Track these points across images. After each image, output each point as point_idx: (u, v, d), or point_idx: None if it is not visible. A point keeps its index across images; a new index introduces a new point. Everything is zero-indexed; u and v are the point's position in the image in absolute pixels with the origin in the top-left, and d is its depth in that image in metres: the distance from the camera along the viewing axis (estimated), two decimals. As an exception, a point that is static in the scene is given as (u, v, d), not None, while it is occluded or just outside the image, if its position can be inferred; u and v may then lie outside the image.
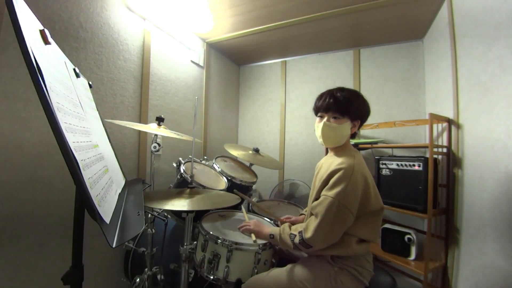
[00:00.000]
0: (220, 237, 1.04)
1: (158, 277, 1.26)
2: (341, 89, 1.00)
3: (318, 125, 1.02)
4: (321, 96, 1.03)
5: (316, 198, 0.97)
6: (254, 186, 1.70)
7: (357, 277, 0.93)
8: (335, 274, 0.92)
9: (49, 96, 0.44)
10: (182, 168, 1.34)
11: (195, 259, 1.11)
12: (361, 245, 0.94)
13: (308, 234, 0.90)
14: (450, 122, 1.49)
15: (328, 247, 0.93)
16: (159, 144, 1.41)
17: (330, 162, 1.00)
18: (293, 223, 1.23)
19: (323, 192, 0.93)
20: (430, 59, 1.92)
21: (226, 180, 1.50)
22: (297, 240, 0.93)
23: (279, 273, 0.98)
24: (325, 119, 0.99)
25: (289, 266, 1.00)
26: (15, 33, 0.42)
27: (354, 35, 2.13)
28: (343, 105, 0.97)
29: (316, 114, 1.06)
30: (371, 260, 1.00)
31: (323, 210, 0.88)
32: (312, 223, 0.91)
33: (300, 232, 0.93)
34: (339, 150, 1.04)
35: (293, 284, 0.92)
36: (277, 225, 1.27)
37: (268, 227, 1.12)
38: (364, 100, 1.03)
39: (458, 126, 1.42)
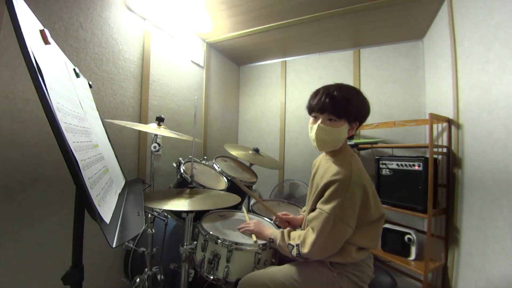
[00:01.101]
0: (220, 237, 1.04)
1: (158, 277, 1.26)
2: (339, 87, 0.90)
3: (312, 126, 0.93)
4: (316, 94, 0.93)
5: (313, 209, 0.93)
6: (254, 186, 1.70)
7: (357, 282, 0.90)
8: (334, 279, 0.90)
9: (49, 96, 0.44)
10: (182, 168, 1.34)
11: (195, 259, 1.11)
12: (361, 252, 0.92)
13: (305, 250, 0.88)
14: (450, 122, 1.49)
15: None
16: (159, 144, 1.41)
17: (326, 168, 0.94)
18: (290, 222, 1.23)
19: (319, 205, 0.89)
20: (430, 59, 1.92)
21: (226, 180, 1.50)
22: (294, 252, 0.92)
23: (275, 270, 0.97)
24: (319, 121, 0.90)
25: (286, 265, 0.99)
26: (15, 33, 0.42)
27: (354, 35, 2.13)
28: (341, 106, 0.87)
29: (309, 113, 0.96)
30: (372, 264, 0.98)
31: (319, 225, 0.85)
32: (309, 238, 0.88)
33: (297, 245, 0.91)
34: (335, 154, 0.98)
35: (289, 282, 0.91)
36: (277, 225, 1.26)
37: (268, 228, 1.11)
38: (364, 99, 0.93)
39: (458, 126, 1.42)
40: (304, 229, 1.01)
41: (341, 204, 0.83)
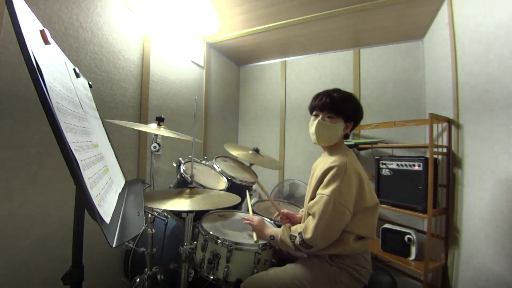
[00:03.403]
0: (220, 237, 1.04)
1: (158, 277, 1.26)
2: (337, 90, 1.03)
3: (313, 123, 1.04)
4: (317, 96, 1.06)
5: (312, 198, 0.98)
6: (254, 186, 1.70)
7: (356, 276, 0.93)
8: (334, 274, 0.93)
9: (49, 96, 0.44)
10: (182, 168, 1.34)
11: (195, 259, 1.11)
12: (359, 242, 0.96)
13: (308, 235, 0.91)
14: (450, 122, 1.49)
15: (326, 246, 0.93)
16: (159, 144, 1.41)
17: (324, 162, 1.01)
18: (291, 218, 1.24)
19: (319, 191, 0.94)
20: (430, 59, 1.92)
21: (226, 180, 1.49)
22: (297, 241, 0.94)
23: (277, 271, 0.98)
24: (319, 117, 1.02)
25: (288, 265, 1.01)
26: (15, 33, 0.42)
27: (354, 35, 2.13)
28: (338, 105, 0.99)
29: (311, 113, 1.08)
30: (370, 258, 1.01)
31: (320, 209, 0.89)
32: (310, 224, 0.92)
33: (300, 233, 0.94)
34: (332, 150, 1.06)
35: (292, 283, 0.92)
36: (278, 225, 1.26)
37: (269, 228, 1.12)
38: (359, 103, 1.05)
39: (458, 126, 1.42)
40: None
41: (339, 187, 0.89)
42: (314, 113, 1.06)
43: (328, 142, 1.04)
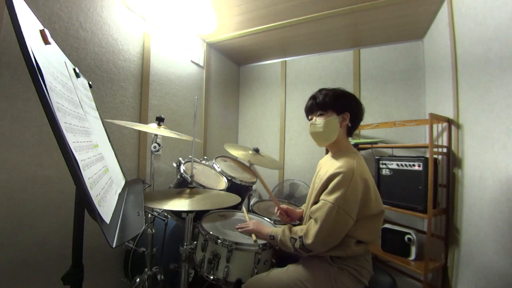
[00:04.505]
0: (220, 237, 1.04)
1: (158, 277, 1.26)
2: (321, 89, 1.05)
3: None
4: (306, 102, 1.08)
5: (316, 202, 0.96)
6: (254, 186, 1.70)
7: (357, 277, 0.93)
8: (335, 274, 0.93)
9: (49, 96, 0.44)
10: (182, 168, 1.34)
11: (195, 259, 1.11)
12: (360, 246, 0.95)
13: (308, 240, 0.90)
14: (450, 122, 1.49)
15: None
16: (159, 144, 1.41)
17: (330, 164, 0.99)
18: (289, 213, 1.23)
19: (322, 197, 0.92)
20: (430, 59, 1.92)
21: (226, 180, 1.49)
22: (297, 245, 0.93)
23: (279, 273, 0.98)
24: (312, 120, 1.04)
25: (289, 266, 1.00)
26: (15, 33, 0.42)
27: (354, 35, 2.13)
28: (322, 101, 1.00)
29: (308, 119, 1.10)
30: (370, 259, 1.00)
31: (322, 215, 0.88)
32: (312, 229, 0.91)
33: (300, 237, 0.93)
34: (338, 151, 1.04)
35: (293, 284, 0.92)
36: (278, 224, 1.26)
37: (268, 227, 1.12)
38: (346, 93, 1.04)
39: (458, 126, 1.42)
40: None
41: (344, 195, 0.87)
42: (309, 117, 1.09)
43: (327, 139, 1.01)
